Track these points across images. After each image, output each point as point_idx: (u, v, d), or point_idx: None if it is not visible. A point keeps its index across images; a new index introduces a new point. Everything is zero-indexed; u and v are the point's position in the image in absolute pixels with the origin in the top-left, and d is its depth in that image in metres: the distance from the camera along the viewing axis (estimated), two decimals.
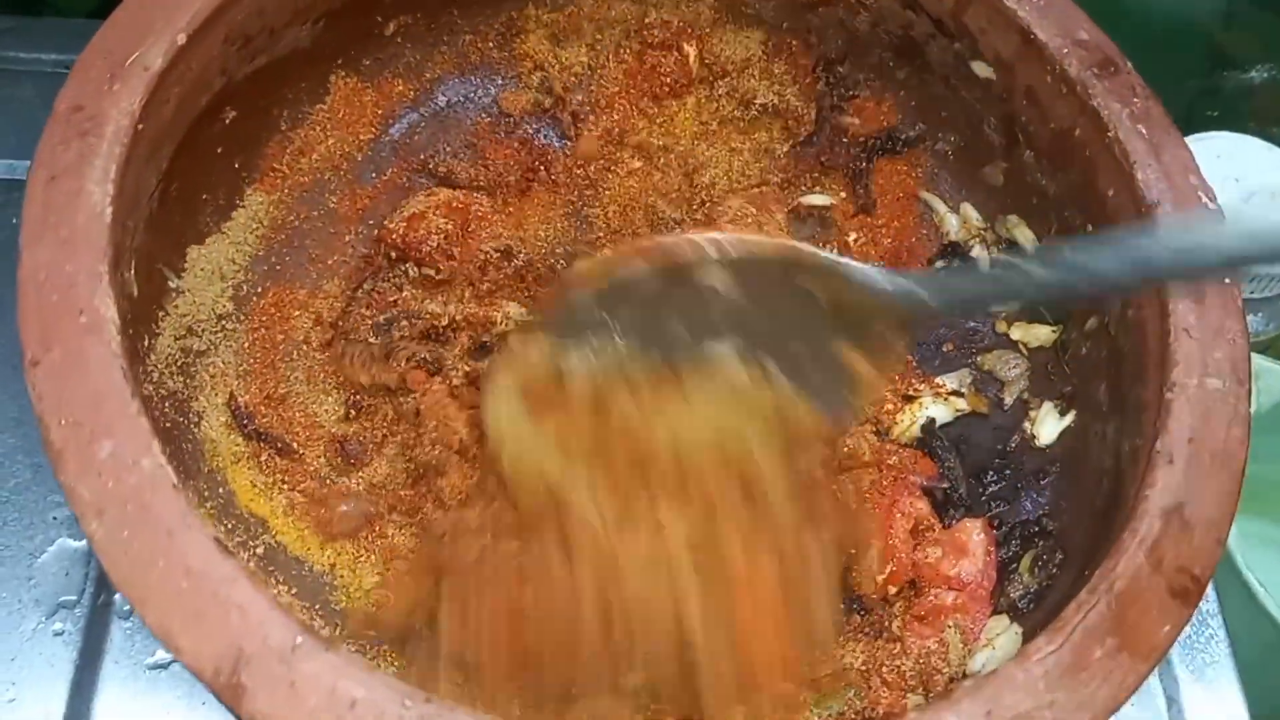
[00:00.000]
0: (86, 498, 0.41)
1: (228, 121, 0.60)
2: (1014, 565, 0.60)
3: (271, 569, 0.55)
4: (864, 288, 0.47)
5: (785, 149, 0.72)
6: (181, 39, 0.52)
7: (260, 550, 0.55)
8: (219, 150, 0.61)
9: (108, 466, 0.42)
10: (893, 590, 0.59)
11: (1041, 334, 0.67)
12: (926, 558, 0.58)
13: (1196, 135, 0.80)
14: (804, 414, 0.49)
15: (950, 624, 0.57)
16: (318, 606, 0.55)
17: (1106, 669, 0.43)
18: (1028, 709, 0.42)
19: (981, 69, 0.66)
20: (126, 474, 0.42)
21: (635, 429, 0.49)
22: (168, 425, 0.55)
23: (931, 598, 0.57)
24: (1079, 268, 0.43)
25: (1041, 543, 0.59)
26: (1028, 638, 0.50)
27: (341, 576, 0.57)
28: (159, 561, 0.41)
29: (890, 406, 0.66)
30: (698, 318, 0.48)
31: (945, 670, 0.56)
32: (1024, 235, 0.69)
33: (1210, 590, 0.67)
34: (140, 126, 0.49)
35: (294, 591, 0.55)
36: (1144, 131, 0.58)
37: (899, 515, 0.58)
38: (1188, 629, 0.66)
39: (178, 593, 0.40)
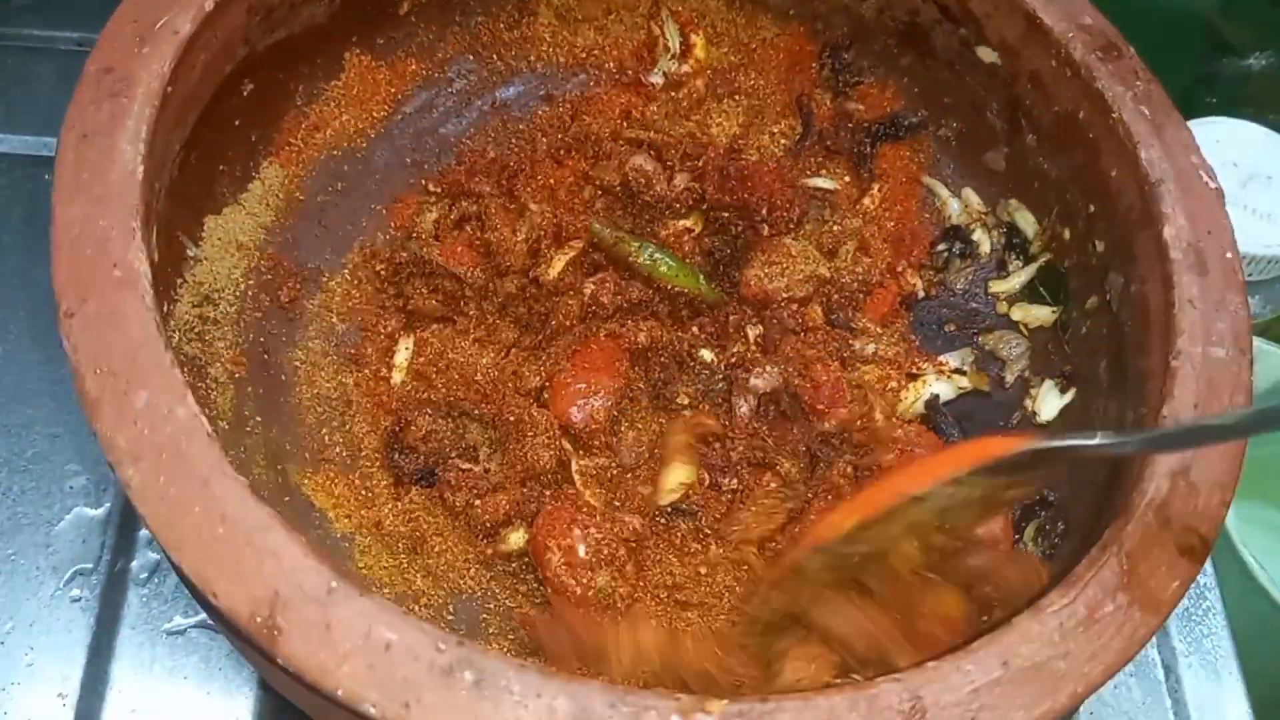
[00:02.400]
0: (123, 445, 0.42)
1: (246, 94, 0.61)
2: (1019, 536, 0.61)
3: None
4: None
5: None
6: (209, 5, 0.53)
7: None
8: (237, 122, 0.62)
9: (144, 415, 0.42)
10: None
11: (1041, 314, 0.69)
12: None
13: (1195, 120, 0.81)
14: None
15: None
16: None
17: (1118, 622, 0.44)
18: (1043, 659, 0.43)
19: (986, 54, 0.67)
20: (162, 423, 0.42)
21: None
22: None
23: None
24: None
25: (1044, 513, 0.61)
26: None
27: (360, 544, 0.59)
28: (195, 508, 0.41)
29: (895, 384, 0.67)
30: None
31: None
32: (1025, 219, 0.70)
33: (1208, 565, 0.69)
34: (170, 89, 0.50)
35: None
36: (1146, 113, 0.60)
37: None
38: (1186, 602, 0.67)
39: (214, 539, 0.41)
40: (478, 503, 0.58)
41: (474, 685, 0.39)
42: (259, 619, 0.40)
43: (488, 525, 0.58)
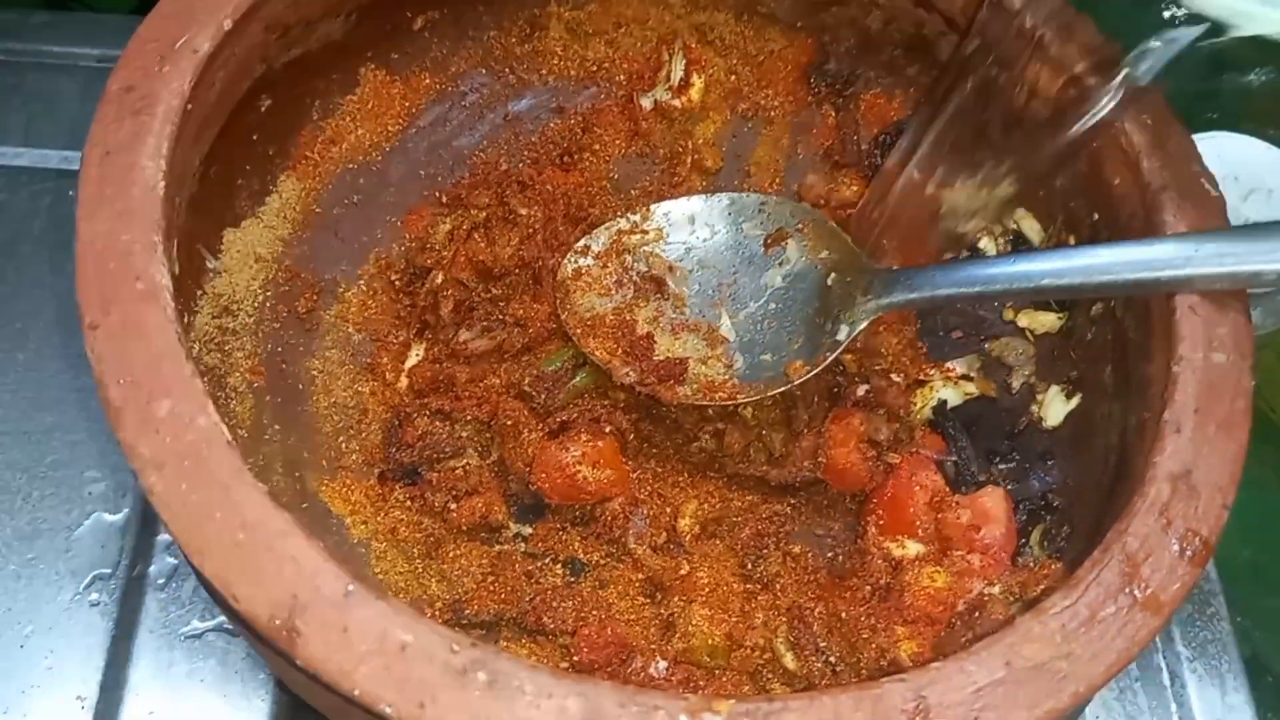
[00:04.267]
0: (146, 454, 0.43)
1: (264, 109, 0.62)
2: (1024, 540, 0.62)
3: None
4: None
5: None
6: (228, 24, 0.54)
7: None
8: (255, 137, 0.63)
9: (166, 424, 0.44)
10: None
11: (1047, 321, 0.69)
12: (958, 518, 0.59)
13: (1196, 135, 0.81)
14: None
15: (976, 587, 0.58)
16: None
17: (1120, 623, 0.45)
18: (1046, 659, 0.43)
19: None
20: (183, 431, 0.43)
21: None
22: None
23: (959, 560, 0.59)
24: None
25: (1049, 517, 0.61)
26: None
27: (376, 550, 0.60)
28: (216, 514, 0.42)
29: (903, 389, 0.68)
30: None
31: None
32: (1030, 227, 0.71)
33: (1212, 570, 0.69)
34: (190, 106, 0.51)
35: None
36: (1148, 122, 0.61)
37: (917, 488, 0.60)
38: (1190, 607, 0.68)
39: (235, 544, 0.42)
40: (453, 505, 0.59)
41: (487, 686, 0.40)
42: (278, 622, 0.41)
43: (464, 528, 0.60)
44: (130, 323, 0.45)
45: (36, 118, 0.75)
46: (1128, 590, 0.46)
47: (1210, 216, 0.58)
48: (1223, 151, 0.82)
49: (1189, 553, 0.47)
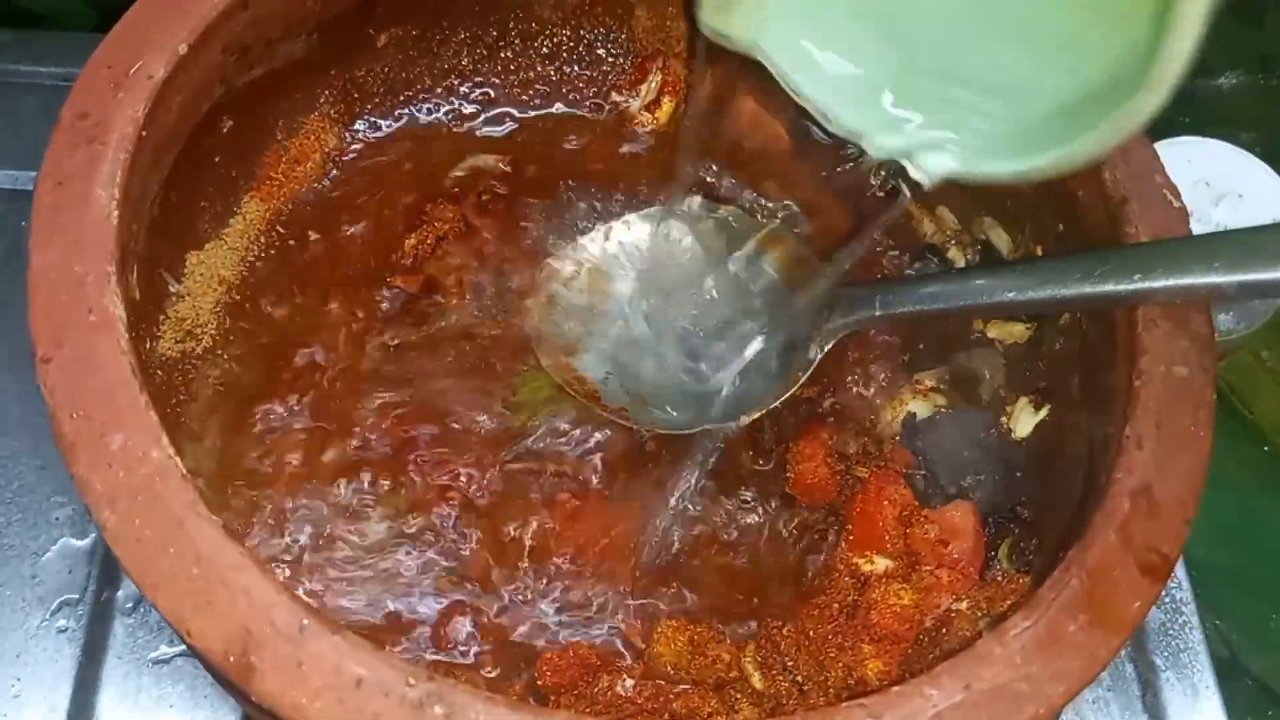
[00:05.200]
0: (99, 489, 0.43)
1: (226, 130, 0.62)
2: (993, 554, 0.62)
3: None
4: None
5: None
6: (183, 49, 0.53)
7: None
8: (217, 159, 0.63)
9: (119, 458, 0.43)
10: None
11: (1016, 331, 0.69)
12: (927, 533, 0.59)
13: (1167, 140, 0.82)
14: None
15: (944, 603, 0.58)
16: None
17: (1080, 642, 0.45)
18: (1005, 681, 0.43)
19: None
20: (137, 465, 0.43)
21: None
22: None
23: (927, 575, 0.59)
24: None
25: (1018, 530, 0.61)
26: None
27: None
28: (170, 549, 0.42)
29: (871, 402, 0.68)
30: None
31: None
32: (998, 237, 0.71)
33: (1183, 578, 0.69)
34: (144, 133, 0.51)
35: None
36: None
37: (886, 502, 0.60)
38: (1162, 616, 0.68)
39: (189, 579, 0.42)
40: None
41: (444, 719, 0.40)
42: (232, 657, 0.40)
43: None
44: (82, 355, 0.45)
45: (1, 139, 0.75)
46: (1088, 609, 0.46)
47: (1172, 228, 0.58)
48: (1194, 156, 0.82)
49: (1150, 570, 0.47)
